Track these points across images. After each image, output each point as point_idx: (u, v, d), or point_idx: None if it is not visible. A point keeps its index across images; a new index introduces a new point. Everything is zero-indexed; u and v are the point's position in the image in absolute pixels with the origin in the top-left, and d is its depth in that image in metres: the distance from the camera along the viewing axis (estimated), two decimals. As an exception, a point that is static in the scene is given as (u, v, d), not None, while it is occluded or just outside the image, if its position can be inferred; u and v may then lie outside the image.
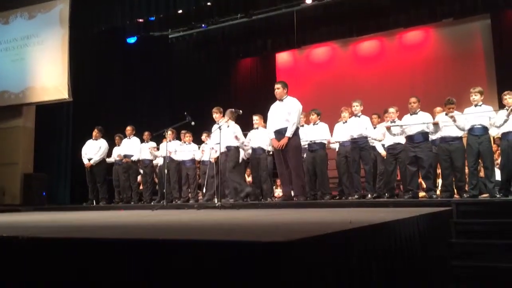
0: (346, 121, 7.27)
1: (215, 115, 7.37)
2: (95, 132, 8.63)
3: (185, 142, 8.56)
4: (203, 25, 11.55)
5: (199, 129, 8.35)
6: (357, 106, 7.04)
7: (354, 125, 7.02)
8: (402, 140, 6.74)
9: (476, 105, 6.03)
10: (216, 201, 7.03)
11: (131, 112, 10.52)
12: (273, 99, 12.85)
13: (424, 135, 6.34)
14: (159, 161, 8.68)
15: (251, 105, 11.08)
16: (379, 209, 4.97)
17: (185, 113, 7.35)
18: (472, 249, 4.47)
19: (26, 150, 9.71)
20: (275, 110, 6.53)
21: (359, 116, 7.05)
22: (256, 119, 7.79)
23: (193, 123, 7.44)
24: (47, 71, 9.48)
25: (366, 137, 6.98)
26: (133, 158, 8.56)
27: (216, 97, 12.51)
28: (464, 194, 6.09)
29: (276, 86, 6.57)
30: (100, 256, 2.02)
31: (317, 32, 11.33)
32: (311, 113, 7.58)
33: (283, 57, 13.22)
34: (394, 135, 6.61)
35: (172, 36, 12.02)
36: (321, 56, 12.75)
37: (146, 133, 8.72)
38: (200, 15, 10.64)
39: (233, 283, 1.66)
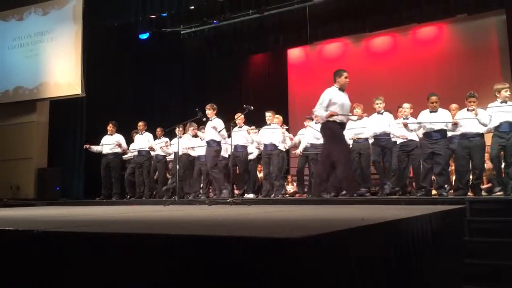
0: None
1: (208, 112, 7.59)
2: (110, 127, 8.65)
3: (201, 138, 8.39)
4: (214, 21, 11.55)
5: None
6: (380, 104, 6.90)
7: (377, 122, 6.88)
8: (415, 137, 6.69)
9: (502, 102, 5.83)
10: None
11: (143, 107, 10.58)
12: (285, 95, 12.70)
13: (443, 132, 6.25)
14: (172, 156, 8.70)
15: (263, 101, 11.07)
16: (391, 206, 4.94)
17: (197, 109, 7.37)
18: (485, 247, 4.42)
19: (40, 145, 9.81)
20: (344, 99, 5.97)
21: (381, 113, 6.91)
22: (268, 115, 7.78)
23: (204, 119, 7.48)
24: (60, 67, 9.56)
25: (389, 134, 6.87)
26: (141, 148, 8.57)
27: (227, 93, 12.53)
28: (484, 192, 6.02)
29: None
30: (114, 251, 2.04)
31: (329, 28, 11.27)
32: None
33: (294, 53, 13.17)
34: (411, 131, 6.54)
35: (184, 32, 12.04)
36: (333, 52, 12.68)
37: (158, 129, 8.73)
38: (212, 11, 10.64)
39: (246, 278, 1.67)
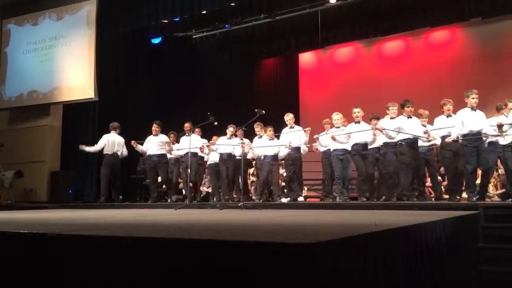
0: (450, 114, 6.49)
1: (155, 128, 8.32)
2: (154, 127, 8.37)
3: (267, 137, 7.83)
4: (226, 26, 11.58)
5: (222, 129, 8.39)
6: (475, 98, 6.10)
7: (472, 119, 6.17)
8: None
9: None
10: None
11: (155, 111, 10.62)
12: (296, 99, 12.68)
13: None
14: (210, 157, 8.45)
15: (274, 105, 11.08)
16: (404, 212, 4.90)
17: (208, 113, 7.40)
18: (500, 254, 4.36)
19: (53, 148, 9.90)
20: None
21: (475, 110, 6.16)
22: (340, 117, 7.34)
23: (216, 123, 7.49)
24: (74, 71, 9.66)
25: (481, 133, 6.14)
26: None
27: (239, 97, 12.56)
28: None
29: None
30: (127, 254, 2.04)
31: (341, 32, 11.23)
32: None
33: (306, 57, 13.17)
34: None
35: (196, 36, 12.09)
36: (345, 56, 12.65)
37: (197, 130, 8.43)
38: (223, 15, 10.66)
39: (258, 284, 1.66)
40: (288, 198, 7.50)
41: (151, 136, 8.47)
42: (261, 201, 7.41)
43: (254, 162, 8.57)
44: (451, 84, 10.53)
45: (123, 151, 8.54)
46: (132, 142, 8.38)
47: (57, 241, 2.21)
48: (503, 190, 7.33)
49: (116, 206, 7.96)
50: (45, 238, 2.23)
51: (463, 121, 6.04)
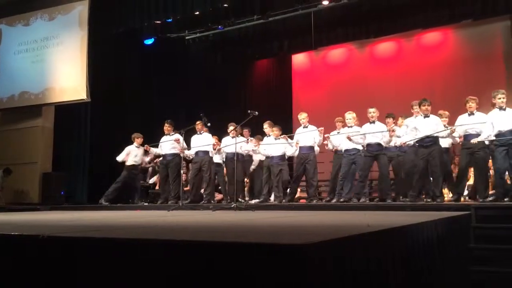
0: (473, 112, 6.26)
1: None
2: (166, 127, 8.19)
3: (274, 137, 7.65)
4: (219, 27, 11.59)
5: (216, 130, 8.40)
6: (503, 98, 5.95)
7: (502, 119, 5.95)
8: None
9: None
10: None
11: (147, 113, 10.61)
12: (289, 100, 12.71)
13: None
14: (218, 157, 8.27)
15: (267, 107, 11.08)
16: (396, 213, 4.92)
17: (201, 114, 7.39)
18: (491, 254, 4.39)
19: (45, 149, 9.84)
20: None
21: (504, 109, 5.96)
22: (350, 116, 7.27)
23: (209, 124, 7.49)
24: (66, 72, 9.61)
25: None
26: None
27: (232, 98, 12.56)
28: None
29: None
30: (118, 256, 2.04)
31: (334, 34, 11.26)
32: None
33: (299, 59, 13.16)
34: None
35: (189, 37, 12.09)
36: (337, 57, 12.67)
37: (205, 129, 8.20)
38: (216, 16, 10.66)
39: (251, 285, 1.66)
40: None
41: (164, 136, 8.28)
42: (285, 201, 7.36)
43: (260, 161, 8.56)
44: (442, 85, 10.61)
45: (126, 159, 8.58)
46: (145, 146, 8.34)
47: (49, 243, 2.20)
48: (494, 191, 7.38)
49: (108, 208, 7.92)
50: (37, 240, 2.22)
51: (492, 123, 5.88)
